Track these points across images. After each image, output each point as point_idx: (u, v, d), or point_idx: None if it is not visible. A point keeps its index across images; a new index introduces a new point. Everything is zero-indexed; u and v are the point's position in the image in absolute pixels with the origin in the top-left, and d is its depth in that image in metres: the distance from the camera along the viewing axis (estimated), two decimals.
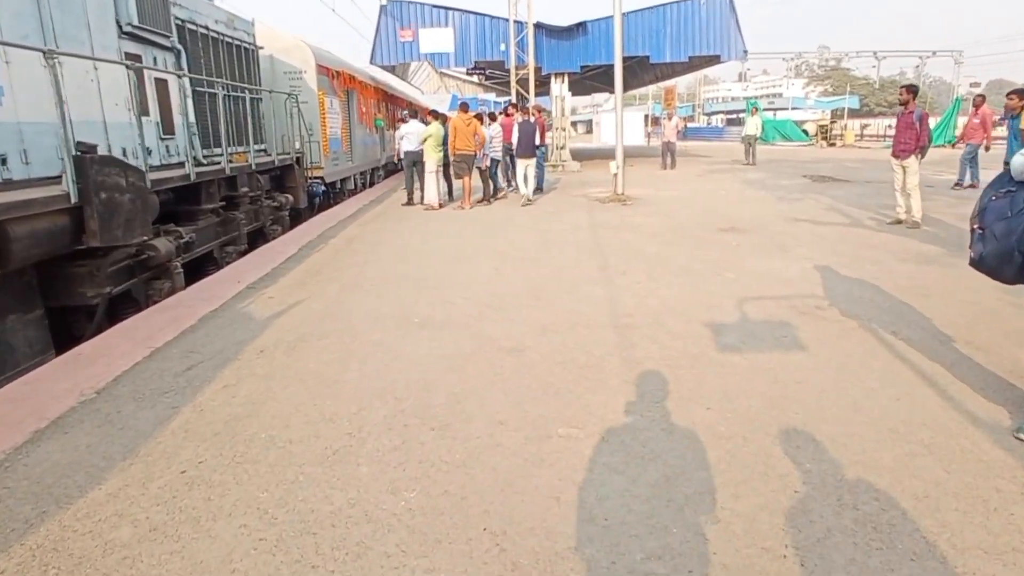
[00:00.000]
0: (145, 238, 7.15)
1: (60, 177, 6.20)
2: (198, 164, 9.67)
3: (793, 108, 61.31)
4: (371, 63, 21.86)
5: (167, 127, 9.19)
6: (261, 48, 13.23)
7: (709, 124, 76.62)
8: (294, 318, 5.90)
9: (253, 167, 10.87)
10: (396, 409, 3.83)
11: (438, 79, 39.17)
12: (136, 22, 8.36)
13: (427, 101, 35.74)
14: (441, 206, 13.61)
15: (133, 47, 8.53)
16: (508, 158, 15.04)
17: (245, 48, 12.29)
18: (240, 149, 11.42)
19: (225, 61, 11.25)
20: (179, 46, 9.59)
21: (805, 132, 39.17)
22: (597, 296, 6.19)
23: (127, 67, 7.70)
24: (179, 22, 9.71)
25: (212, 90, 10.40)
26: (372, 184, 21.17)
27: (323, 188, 15.75)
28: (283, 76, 14.84)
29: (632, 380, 4.16)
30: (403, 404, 3.90)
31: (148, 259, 7.45)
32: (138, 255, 7.36)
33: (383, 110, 22.49)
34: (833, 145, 35.02)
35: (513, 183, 14.76)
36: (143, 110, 8.57)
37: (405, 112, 16.92)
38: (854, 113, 54.98)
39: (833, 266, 7.16)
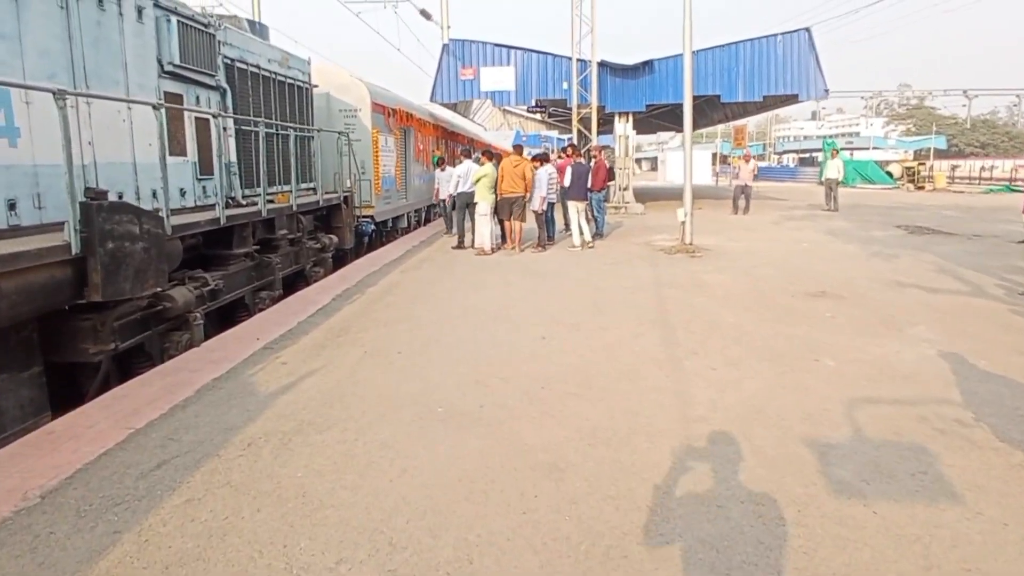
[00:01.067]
0: (158, 289, 6.45)
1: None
2: (236, 205, 9.12)
3: (873, 148, 58.81)
4: (431, 100, 21.43)
5: (205, 167, 8.63)
6: (316, 86, 12.77)
7: (780, 164, 74.47)
8: (300, 396, 5.03)
9: (294, 208, 10.22)
10: (384, 567, 2.84)
11: (501, 116, 38.89)
12: (178, 61, 7.89)
13: (490, 138, 35.27)
14: (493, 250, 12.75)
15: (174, 86, 8.05)
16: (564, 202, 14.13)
17: (299, 86, 11.84)
18: (285, 188, 10.84)
19: (276, 99, 10.78)
20: (225, 85, 9.10)
21: (889, 174, 37.07)
22: (662, 386, 5.11)
23: (153, 107, 7.11)
24: (228, 61, 9.24)
25: (256, 128, 9.86)
26: (428, 221, 20.59)
27: (372, 227, 15.13)
28: (338, 114, 14.41)
29: (709, 544, 2.99)
30: (395, 557, 2.91)
31: (164, 310, 6.77)
32: (152, 306, 6.68)
33: (442, 147, 21.99)
34: (921, 188, 32.98)
35: (568, 229, 13.81)
36: (178, 150, 8.05)
37: (463, 149, 16.27)
38: (941, 154, 52.25)
39: (964, 354, 5.77)
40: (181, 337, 7.12)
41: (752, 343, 6.24)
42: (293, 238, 10.56)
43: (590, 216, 14.28)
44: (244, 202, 9.26)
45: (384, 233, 16.34)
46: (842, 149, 42.83)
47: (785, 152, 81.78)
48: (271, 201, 10.18)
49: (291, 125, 11.01)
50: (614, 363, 5.69)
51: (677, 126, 38.03)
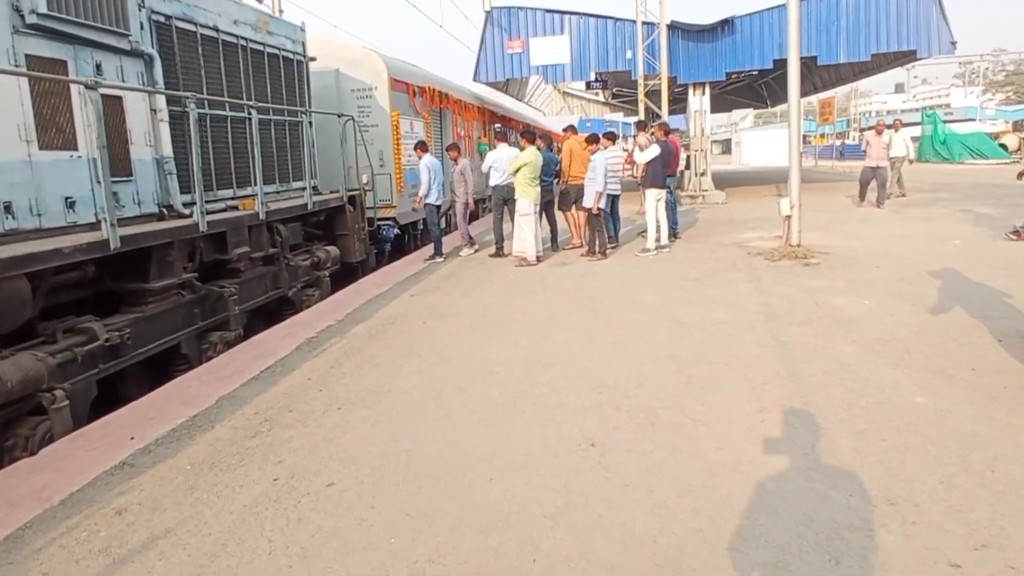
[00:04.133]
0: None
1: None
2: (175, 215, 6.63)
3: (968, 119, 52.93)
4: (475, 80, 18.67)
5: (119, 166, 6.10)
6: (314, 59, 10.18)
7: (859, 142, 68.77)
8: None
9: (262, 217, 7.63)
10: None
11: (560, 99, 35.85)
12: (48, 9, 5.33)
13: (550, 124, 32.22)
14: (539, 260, 9.93)
15: (47, 48, 5.51)
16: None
17: (285, 58, 9.24)
18: (256, 190, 8.34)
19: (247, 73, 8.24)
20: (150, 50, 6.53)
21: (1003, 147, 32.30)
22: None
23: None
24: (158, 17, 6.71)
25: (208, 111, 7.34)
26: (476, 218, 17.85)
27: (396, 232, 12.51)
28: (350, 94, 11.84)
29: None
30: None
31: None
32: None
33: (491, 133, 19.19)
34: None
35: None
36: (61, 141, 5.58)
37: (498, 130, 13.43)
38: None
39: None
40: (35, 429, 4.61)
41: (974, 463, 3.25)
42: (266, 256, 8.00)
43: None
44: (187, 212, 6.71)
45: (416, 237, 13.72)
46: (946, 122, 38.13)
47: (869, 128, 75.56)
48: (235, 207, 7.69)
49: (265, 106, 8.42)
50: (733, 534, 2.79)
51: (755, 101, 34.23)
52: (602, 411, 4.20)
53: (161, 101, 6.61)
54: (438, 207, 10.72)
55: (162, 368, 6.34)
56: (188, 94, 6.39)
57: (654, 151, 9.82)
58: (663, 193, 10.17)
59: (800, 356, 4.99)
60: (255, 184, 8.45)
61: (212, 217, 6.83)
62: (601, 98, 33.83)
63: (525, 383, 4.80)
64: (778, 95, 30.77)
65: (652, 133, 11.95)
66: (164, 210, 6.70)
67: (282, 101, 9.08)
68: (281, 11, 17.45)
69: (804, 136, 50.35)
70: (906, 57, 17.36)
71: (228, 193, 7.94)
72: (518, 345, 5.76)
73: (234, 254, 7.19)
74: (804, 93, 27.66)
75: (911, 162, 16.48)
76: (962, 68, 79.57)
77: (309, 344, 6.33)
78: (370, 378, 5.20)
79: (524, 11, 17.74)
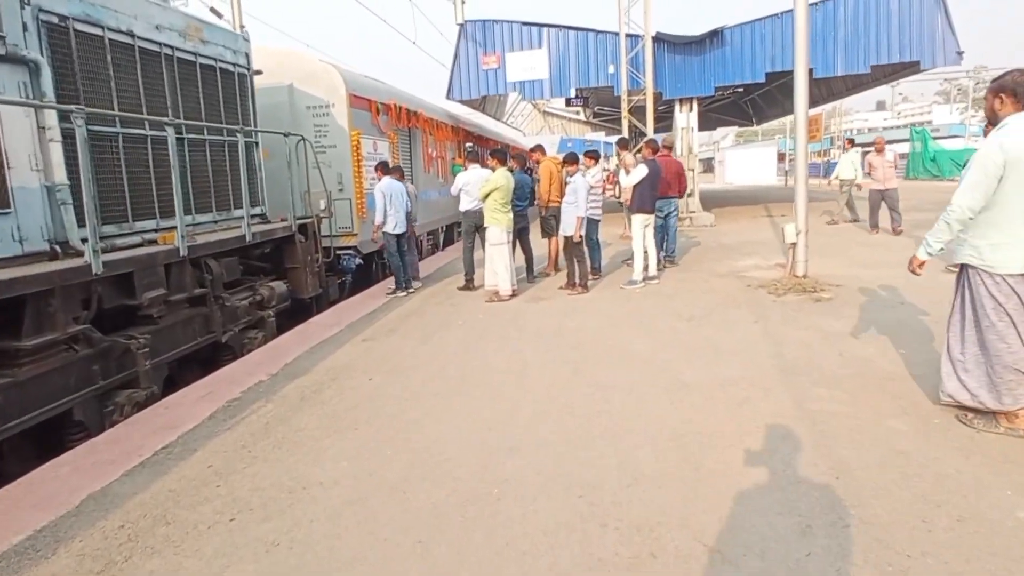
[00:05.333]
0: None
1: None
2: (72, 254, 5.49)
3: (953, 136, 52.63)
4: (448, 98, 17.64)
5: None
6: (259, 72, 9.08)
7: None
8: None
9: (183, 253, 6.46)
10: None
11: (541, 118, 34.95)
12: None
13: (531, 144, 31.18)
14: (513, 294, 8.81)
15: None
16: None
17: (224, 70, 8.16)
18: (207, 219, 7.26)
19: (173, 86, 7.17)
20: (38, 56, 5.39)
21: None
22: None
23: None
24: (52, 18, 5.62)
25: (130, 130, 6.25)
26: (450, 243, 16.73)
27: (358, 262, 11.36)
28: (305, 112, 10.73)
29: None
30: None
31: None
32: None
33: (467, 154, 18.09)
34: None
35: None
36: None
37: (468, 150, 12.28)
38: None
39: None
40: None
41: None
42: (192, 297, 6.82)
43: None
44: (84, 249, 5.53)
45: (385, 266, 12.53)
46: (935, 138, 37.62)
47: (867, 147, 75.42)
48: (154, 242, 6.54)
49: (192, 123, 7.29)
50: None
51: (740, 119, 33.44)
52: (584, 529, 3.05)
53: (52, 117, 5.46)
54: (399, 236, 9.56)
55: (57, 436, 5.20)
56: (72, 107, 5.22)
57: (640, 172, 8.78)
58: (651, 219, 9.11)
59: (839, 436, 3.88)
60: (202, 210, 7.38)
61: (113, 256, 5.68)
62: (582, 117, 32.95)
63: (482, 479, 3.65)
64: (764, 112, 30.01)
65: (638, 152, 10.98)
66: (57, 247, 5.54)
67: (219, 118, 7.96)
68: (243, 26, 16.37)
69: (783, 154, 49.94)
70: (907, 69, 16.51)
71: (150, 224, 6.80)
72: (478, 417, 4.60)
73: (144, 298, 6.00)
74: (791, 110, 26.94)
75: (858, 187, 15.32)
76: (944, 85, 79.93)
77: (227, 410, 5.16)
78: (286, 465, 4.03)
79: (500, 24, 16.78)
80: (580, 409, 4.60)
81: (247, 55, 8.79)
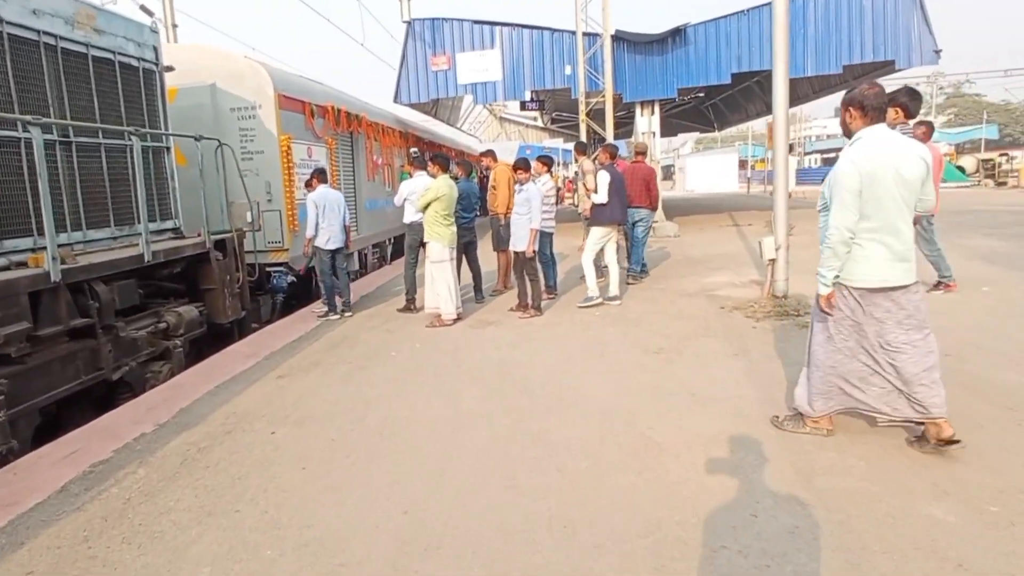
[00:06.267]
0: None
1: None
2: None
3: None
4: (396, 101, 16.63)
5: None
6: (170, 69, 8.01)
7: (809, 166, 69.24)
8: None
9: (54, 276, 5.35)
10: None
11: (498, 124, 34.06)
12: None
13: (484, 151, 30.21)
14: (457, 317, 7.85)
15: None
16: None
17: (125, 65, 7.09)
18: (69, 237, 6.15)
19: (62, 83, 6.11)
20: None
21: (961, 170, 31.62)
22: None
23: None
24: None
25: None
26: (401, 255, 15.62)
27: (290, 279, 10.29)
28: (230, 114, 9.63)
29: None
30: None
31: None
32: None
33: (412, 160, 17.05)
34: (1003, 184, 27.63)
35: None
36: None
37: (411, 154, 11.26)
38: (993, 144, 46.62)
39: None
40: None
41: None
42: (72, 330, 5.71)
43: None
44: None
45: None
46: None
47: (810, 153, 76.38)
48: (23, 265, 5.43)
49: (71, 124, 6.19)
50: None
51: (702, 124, 32.93)
52: None
53: None
54: (333, 252, 8.54)
55: None
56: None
57: (604, 180, 7.91)
58: (613, 232, 8.26)
59: (868, 534, 2.98)
60: (67, 230, 6.28)
61: None
62: (540, 123, 32.15)
63: None
64: (726, 117, 29.52)
65: (595, 158, 10.15)
66: None
67: (118, 119, 6.87)
68: (175, 25, 15.17)
69: (744, 161, 49.66)
70: (881, 70, 15.95)
71: (25, 244, 5.72)
72: (394, 492, 3.61)
73: None
74: (755, 114, 26.49)
75: None
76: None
77: (86, 479, 4.09)
78: (130, 572, 3.01)
79: (450, 22, 15.84)
80: (523, 482, 3.63)
81: (155, 49, 7.70)
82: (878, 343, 3.61)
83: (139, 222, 7.26)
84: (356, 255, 12.55)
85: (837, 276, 3.66)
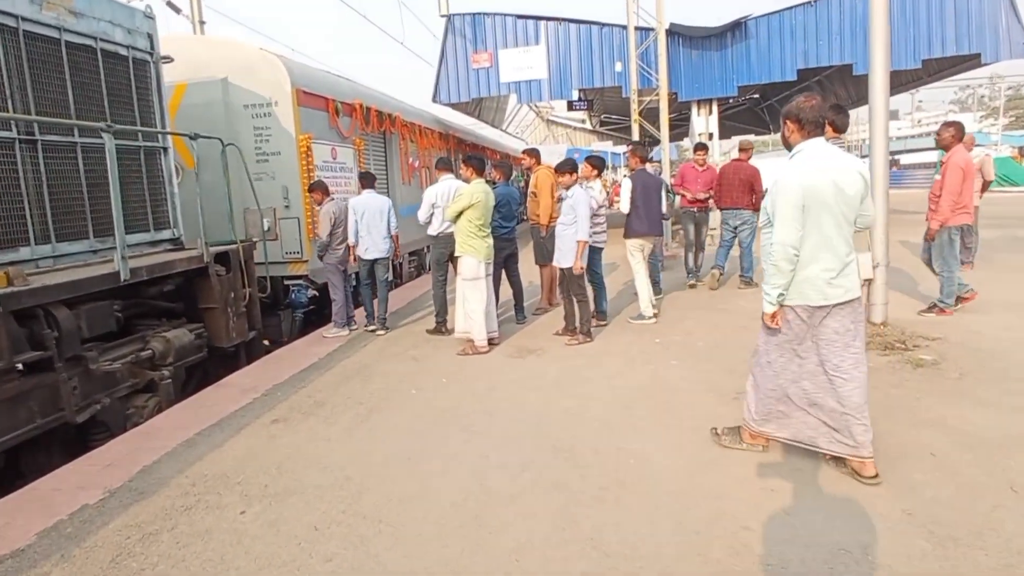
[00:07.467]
0: None
1: None
2: None
3: (977, 145, 50.27)
4: (434, 101, 15.62)
5: None
6: (168, 59, 7.08)
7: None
8: None
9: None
10: None
11: (544, 127, 32.94)
12: None
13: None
14: (492, 343, 6.74)
15: None
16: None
17: (110, 53, 6.21)
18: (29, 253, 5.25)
19: (24, 73, 5.30)
20: None
21: None
22: None
23: None
24: None
25: None
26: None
27: (311, 293, 9.30)
28: (243, 112, 8.70)
29: None
30: None
31: None
32: None
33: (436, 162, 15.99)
34: None
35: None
36: None
37: (438, 159, 10.04)
38: None
39: None
40: None
41: None
42: (18, 365, 4.73)
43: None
44: None
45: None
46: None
47: (867, 156, 73.67)
48: None
49: (39, 119, 5.27)
50: None
51: (756, 126, 31.24)
52: None
53: None
54: (372, 261, 7.71)
55: None
56: None
57: (627, 188, 6.99)
58: (648, 244, 7.29)
59: None
60: (30, 243, 5.37)
61: None
62: (589, 125, 30.91)
63: None
64: (775, 120, 27.78)
65: (627, 165, 9.15)
66: None
67: (99, 115, 5.93)
68: (203, 22, 14.44)
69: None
70: (964, 64, 14.37)
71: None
72: None
73: None
74: None
75: None
76: (959, 93, 77.55)
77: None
78: None
79: (491, 17, 14.77)
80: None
81: (150, 36, 6.79)
82: (823, 367, 3.50)
83: (147, 231, 6.47)
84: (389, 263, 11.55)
85: (782, 295, 3.49)
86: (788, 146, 3.62)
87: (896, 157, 50.98)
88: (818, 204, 3.37)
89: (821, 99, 3.55)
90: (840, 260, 3.42)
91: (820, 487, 3.43)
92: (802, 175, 3.39)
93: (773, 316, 3.57)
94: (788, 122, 3.54)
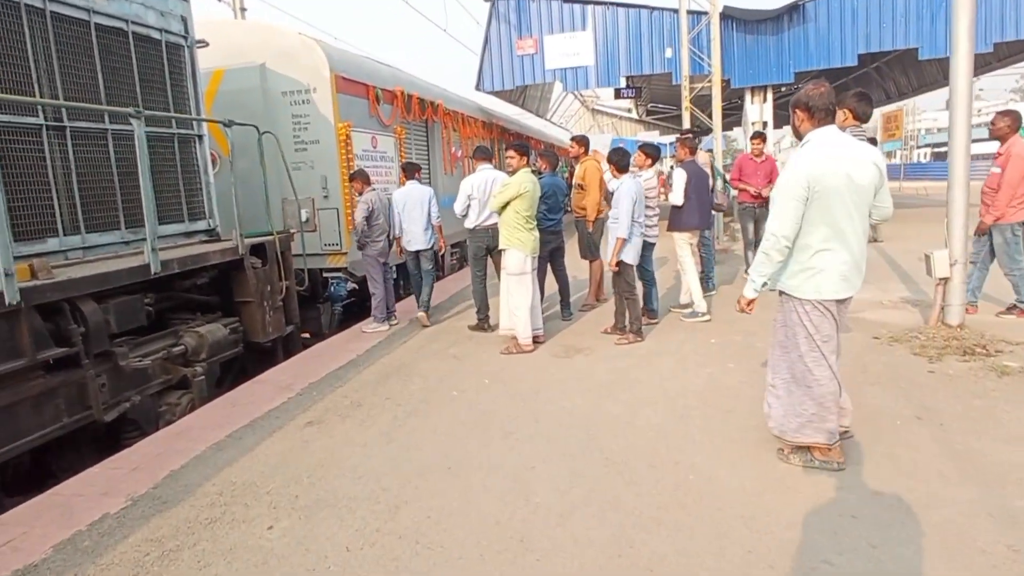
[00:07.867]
0: None
1: None
2: None
3: None
4: (477, 88, 15.31)
5: None
6: (203, 44, 6.88)
7: (918, 161, 64.39)
8: None
9: (10, 299, 4.16)
10: None
11: (589, 116, 32.38)
12: None
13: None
14: (537, 340, 6.41)
15: None
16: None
17: (142, 37, 6.05)
18: (47, 246, 5.08)
19: (52, 57, 5.16)
20: None
21: None
22: None
23: None
24: None
25: None
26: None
27: (351, 286, 9.09)
28: (280, 99, 8.51)
29: None
30: None
31: None
32: None
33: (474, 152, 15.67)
34: None
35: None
36: None
37: (477, 148, 9.56)
38: None
39: None
40: None
41: None
42: (43, 362, 4.55)
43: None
44: None
45: (397, 285, 10.23)
46: None
47: (922, 147, 71.26)
48: None
49: (69, 105, 5.09)
50: None
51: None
52: None
53: None
54: (416, 253, 7.56)
55: None
56: None
57: (680, 179, 6.61)
58: (695, 237, 6.96)
59: None
60: (59, 234, 5.20)
61: None
62: (635, 115, 30.26)
63: None
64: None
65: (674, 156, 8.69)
66: None
67: (130, 101, 5.75)
68: (244, 9, 14.36)
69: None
70: None
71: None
72: None
73: None
74: (876, 103, 23.79)
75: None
76: (1020, 82, 74.28)
77: None
78: None
79: (537, 2, 14.39)
80: None
81: (184, 19, 6.60)
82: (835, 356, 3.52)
83: (181, 221, 6.32)
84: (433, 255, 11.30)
85: (766, 283, 3.50)
86: (799, 136, 3.50)
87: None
88: (828, 193, 3.25)
89: (830, 86, 3.42)
90: (851, 252, 3.34)
91: (907, 515, 3.02)
92: (811, 164, 3.28)
93: (751, 303, 3.62)
94: (797, 111, 3.43)
